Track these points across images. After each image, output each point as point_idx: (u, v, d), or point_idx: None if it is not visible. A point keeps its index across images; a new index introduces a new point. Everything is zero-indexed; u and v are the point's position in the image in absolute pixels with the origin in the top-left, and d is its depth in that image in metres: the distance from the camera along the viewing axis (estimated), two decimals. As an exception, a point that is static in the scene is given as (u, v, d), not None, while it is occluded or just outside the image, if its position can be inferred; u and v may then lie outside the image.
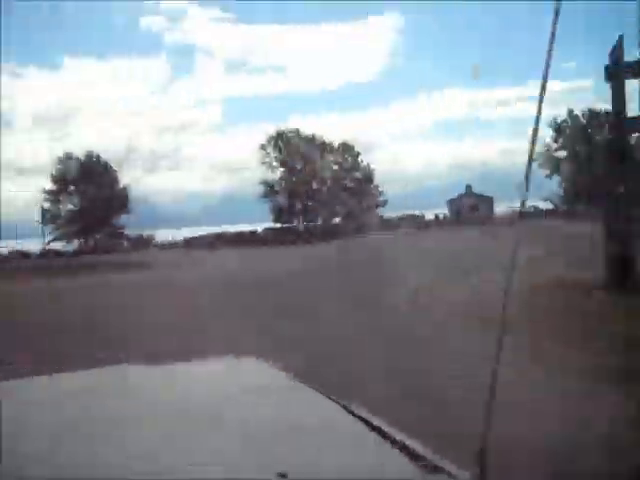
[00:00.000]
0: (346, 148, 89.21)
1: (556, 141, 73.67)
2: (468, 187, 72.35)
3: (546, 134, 68.40)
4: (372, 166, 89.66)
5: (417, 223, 70.20)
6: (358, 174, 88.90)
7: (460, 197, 70.43)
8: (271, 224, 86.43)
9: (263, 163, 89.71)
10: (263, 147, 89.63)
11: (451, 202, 71.39)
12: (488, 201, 70.10)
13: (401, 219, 70.68)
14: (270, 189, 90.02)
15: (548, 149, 73.98)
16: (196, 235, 78.82)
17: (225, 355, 3.01)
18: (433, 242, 41.10)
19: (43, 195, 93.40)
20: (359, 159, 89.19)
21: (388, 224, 69.75)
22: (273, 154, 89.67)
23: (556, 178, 70.82)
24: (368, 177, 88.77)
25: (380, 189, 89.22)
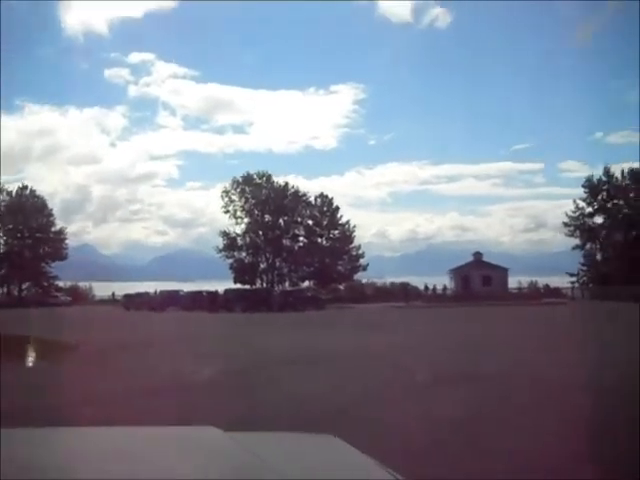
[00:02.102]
0: (324, 201, 77.13)
1: (590, 204, 60.82)
2: (477, 254, 59.46)
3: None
4: (352, 224, 77.66)
5: (412, 294, 57.84)
6: (336, 232, 76.62)
7: (469, 266, 57.64)
8: (231, 284, 72.42)
9: (226, 212, 76.87)
10: (226, 193, 76.94)
11: (457, 272, 58.28)
12: (502, 273, 57.87)
13: (391, 288, 57.35)
14: (231, 242, 76.99)
15: (581, 213, 61.36)
16: (142, 291, 64.55)
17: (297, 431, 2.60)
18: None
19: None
20: (338, 215, 77.09)
21: (377, 292, 57.12)
22: (238, 202, 76.99)
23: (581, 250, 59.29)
24: (347, 236, 76.61)
25: (361, 251, 77.09)
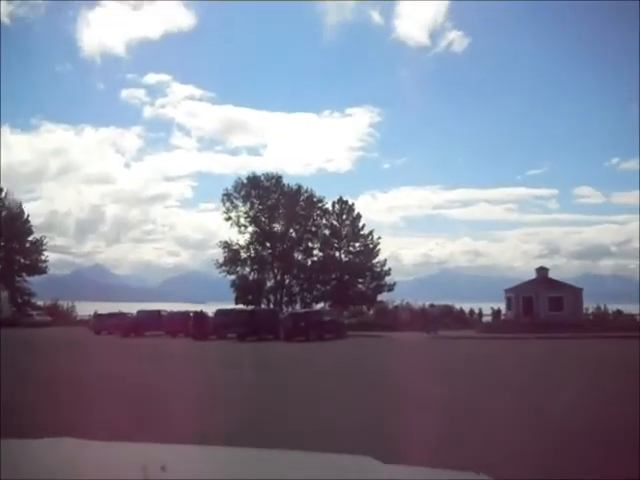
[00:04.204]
0: (343, 208, 64.97)
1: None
2: (542, 270, 45.89)
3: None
4: (376, 235, 65.30)
5: (458, 321, 45.29)
6: (357, 244, 64.31)
7: (533, 284, 43.72)
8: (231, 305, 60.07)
9: (227, 219, 64.97)
10: (228, 197, 65.04)
11: (516, 291, 44.65)
12: (576, 294, 44.02)
13: (430, 313, 44.31)
14: (233, 255, 64.98)
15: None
16: (115, 311, 52.31)
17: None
18: None
19: None
20: (360, 224, 64.82)
21: (412, 318, 44.57)
22: (242, 207, 65.05)
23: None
24: (370, 249, 64.27)
25: (386, 267, 64.51)
